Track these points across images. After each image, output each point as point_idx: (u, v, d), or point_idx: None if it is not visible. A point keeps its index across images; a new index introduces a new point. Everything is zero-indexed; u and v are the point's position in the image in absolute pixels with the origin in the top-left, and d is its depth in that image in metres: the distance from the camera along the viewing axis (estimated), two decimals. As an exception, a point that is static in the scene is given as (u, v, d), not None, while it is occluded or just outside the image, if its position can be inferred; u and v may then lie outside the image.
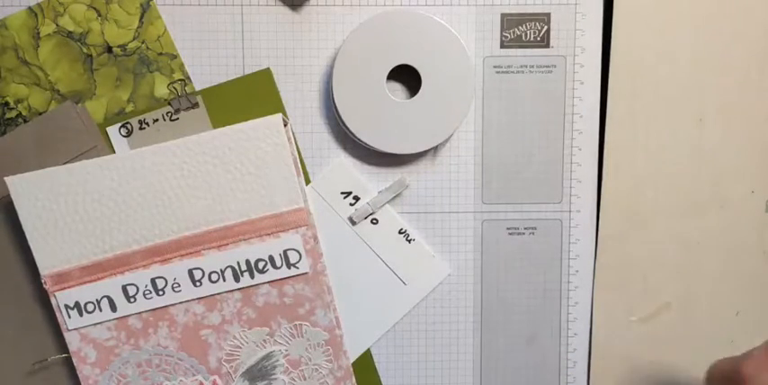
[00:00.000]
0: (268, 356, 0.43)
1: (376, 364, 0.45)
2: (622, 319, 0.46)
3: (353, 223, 0.44)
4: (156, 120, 0.43)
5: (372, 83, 0.42)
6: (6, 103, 0.43)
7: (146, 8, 0.43)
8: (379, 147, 0.43)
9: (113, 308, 0.42)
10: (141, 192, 0.41)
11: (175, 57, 0.43)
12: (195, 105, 0.43)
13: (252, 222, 0.42)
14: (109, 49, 0.43)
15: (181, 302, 0.42)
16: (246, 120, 0.42)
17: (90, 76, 0.43)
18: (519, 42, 0.44)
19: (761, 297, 0.46)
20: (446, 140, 0.44)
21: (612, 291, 0.46)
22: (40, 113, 0.43)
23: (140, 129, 0.43)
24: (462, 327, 0.46)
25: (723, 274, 0.46)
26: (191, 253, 0.42)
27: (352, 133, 0.43)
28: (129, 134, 0.43)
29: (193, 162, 0.41)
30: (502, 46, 0.44)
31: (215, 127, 0.43)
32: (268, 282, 0.42)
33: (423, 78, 0.42)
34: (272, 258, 0.42)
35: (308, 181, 0.44)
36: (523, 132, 0.45)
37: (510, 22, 0.44)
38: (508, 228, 0.45)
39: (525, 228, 0.45)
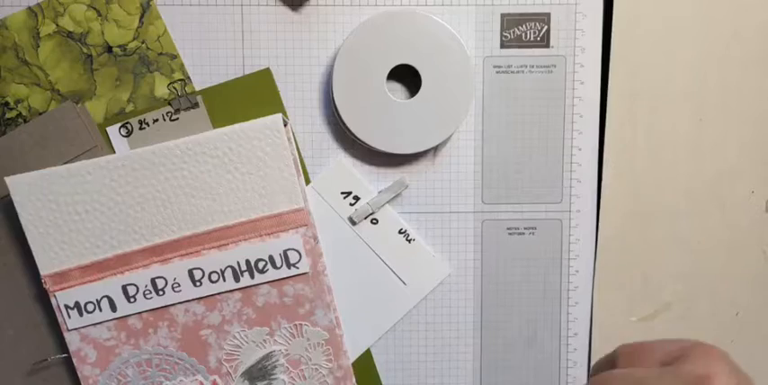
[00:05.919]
0: (268, 356, 0.43)
1: (376, 364, 0.45)
2: (622, 319, 0.46)
3: (353, 223, 0.44)
4: (156, 120, 0.43)
5: (372, 83, 0.42)
6: (6, 103, 0.43)
7: (146, 8, 0.43)
8: (379, 147, 0.43)
9: (113, 308, 0.42)
10: (141, 192, 0.41)
11: (175, 57, 0.43)
12: (195, 105, 0.43)
13: (252, 222, 0.42)
14: (109, 49, 0.43)
15: (181, 302, 0.42)
16: (246, 120, 0.42)
17: (90, 76, 0.43)
18: (519, 42, 0.44)
19: (761, 297, 0.46)
20: (446, 140, 0.44)
21: (612, 291, 0.46)
22: (40, 113, 0.43)
23: (140, 129, 0.43)
24: (462, 327, 0.46)
25: (723, 274, 0.46)
26: (191, 253, 0.42)
27: (352, 133, 0.43)
28: (129, 134, 0.43)
29: (193, 162, 0.41)
30: (502, 46, 0.44)
31: (215, 127, 0.43)
32: (268, 282, 0.42)
33: (423, 78, 0.42)
34: (272, 258, 0.42)
35: (308, 181, 0.44)
36: (523, 132, 0.45)
37: (510, 22, 0.44)
38: (508, 228, 0.45)
39: (525, 228, 0.45)
